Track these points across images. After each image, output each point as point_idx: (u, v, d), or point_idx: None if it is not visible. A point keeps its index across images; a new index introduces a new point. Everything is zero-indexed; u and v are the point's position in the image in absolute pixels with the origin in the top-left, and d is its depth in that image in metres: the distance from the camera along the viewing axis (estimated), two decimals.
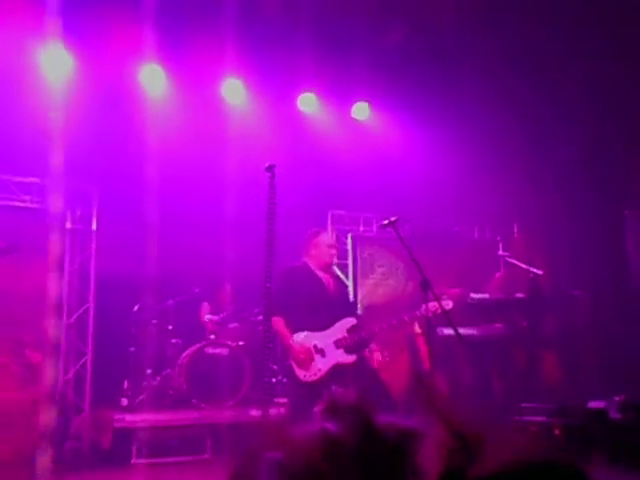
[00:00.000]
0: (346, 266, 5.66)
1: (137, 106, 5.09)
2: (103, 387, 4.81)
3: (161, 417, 4.60)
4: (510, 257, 5.29)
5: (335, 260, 4.17)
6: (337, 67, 5.07)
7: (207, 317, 5.25)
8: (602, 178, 5.64)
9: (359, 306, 5.44)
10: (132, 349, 4.96)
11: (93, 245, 5.05)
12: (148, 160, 4.80)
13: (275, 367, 4.91)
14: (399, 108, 5.52)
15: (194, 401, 4.65)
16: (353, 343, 3.64)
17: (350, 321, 3.71)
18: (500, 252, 5.42)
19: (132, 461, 4.32)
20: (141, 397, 4.83)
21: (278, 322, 3.60)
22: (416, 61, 5.14)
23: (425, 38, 5.04)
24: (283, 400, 4.33)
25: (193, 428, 4.54)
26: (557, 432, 3.93)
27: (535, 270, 5.03)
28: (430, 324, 3.64)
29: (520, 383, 4.78)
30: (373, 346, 3.75)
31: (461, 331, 3.36)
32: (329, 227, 5.59)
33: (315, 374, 3.55)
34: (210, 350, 4.87)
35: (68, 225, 5.04)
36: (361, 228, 5.86)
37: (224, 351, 4.89)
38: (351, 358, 3.62)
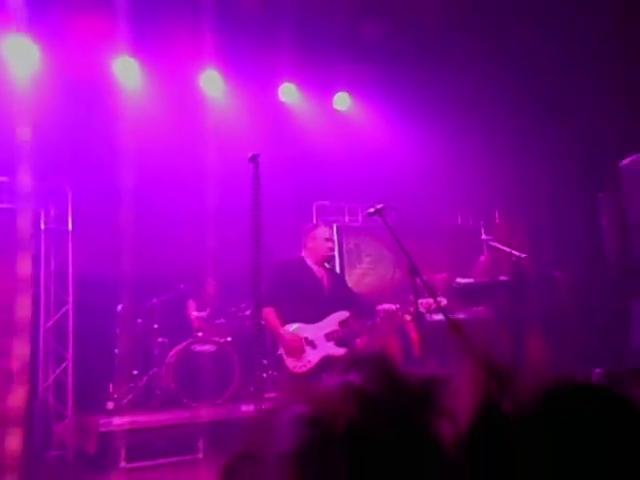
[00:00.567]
0: (333, 257, 5.64)
1: (111, 99, 4.92)
2: (87, 392, 4.65)
3: (150, 418, 4.49)
4: (493, 241, 5.37)
5: (333, 253, 4.16)
6: (317, 57, 5.02)
7: (193, 314, 5.14)
8: (578, 164, 5.80)
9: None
10: (116, 350, 4.81)
11: (70, 245, 4.85)
12: (123, 155, 4.64)
13: (265, 361, 4.84)
14: (380, 98, 5.53)
15: (183, 400, 4.55)
16: (344, 336, 3.64)
17: (342, 314, 3.70)
18: (483, 236, 5.50)
19: (121, 465, 4.19)
20: (128, 399, 4.69)
21: (269, 313, 3.58)
22: (396, 52, 5.15)
23: (407, 29, 5.05)
24: (274, 395, 4.28)
25: (183, 428, 4.43)
26: None
27: (517, 253, 5.12)
28: (420, 312, 3.66)
29: (508, 363, 4.87)
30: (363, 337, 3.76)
31: (449, 316, 3.38)
32: (314, 218, 5.55)
33: (305, 365, 3.54)
34: (197, 347, 4.78)
35: (42, 226, 4.83)
36: (346, 218, 5.84)
37: (212, 348, 4.80)
38: (341, 351, 3.61)
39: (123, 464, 4.21)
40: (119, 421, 4.33)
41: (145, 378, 4.81)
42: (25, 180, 4.65)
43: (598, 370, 3.91)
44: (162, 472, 4.17)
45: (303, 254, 3.84)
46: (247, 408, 4.38)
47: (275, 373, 4.71)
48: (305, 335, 3.57)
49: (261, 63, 5.03)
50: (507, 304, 5.18)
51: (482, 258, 5.54)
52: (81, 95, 4.64)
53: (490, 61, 5.30)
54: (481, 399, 0.54)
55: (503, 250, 5.22)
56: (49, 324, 4.72)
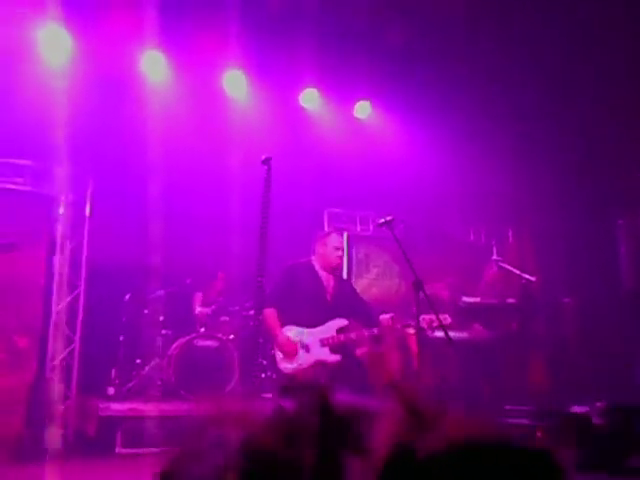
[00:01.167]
0: (341, 266, 5.65)
1: (137, 92, 5.02)
2: (90, 375, 4.77)
3: (148, 407, 4.57)
4: (503, 262, 5.32)
5: (341, 262, 4.17)
6: (341, 65, 5.02)
7: (198, 309, 5.22)
8: (597, 188, 5.69)
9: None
10: (121, 338, 4.92)
11: (86, 231, 4.98)
12: (145, 148, 4.74)
13: (265, 362, 4.90)
14: (400, 108, 5.50)
15: (182, 392, 4.64)
16: (339, 343, 3.66)
17: (341, 322, 3.72)
18: (494, 257, 5.45)
19: (116, 450, 4.30)
20: (128, 386, 4.80)
21: (270, 313, 3.65)
22: (419, 60, 5.11)
23: (428, 37, 5.00)
24: (271, 395, 4.33)
25: (180, 419, 4.51)
26: (539, 435, 3.99)
27: (527, 276, 5.06)
28: (421, 327, 3.65)
29: (507, 386, 4.83)
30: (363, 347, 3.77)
31: (451, 334, 3.37)
32: (325, 225, 5.57)
33: (295, 368, 3.60)
34: (200, 342, 4.86)
35: (61, 210, 4.96)
36: (358, 227, 5.85)
37: (214, 344, 4.88)
38: (335, 357, 3.64)
39: (118, 449, 4.32)
40: (118, 407, 4.44)
41: (147, 368, 4.91)
42: (49, 165, 4.79)
43: (599, 404, 3.86)
44: (156, 461, 4.25)
45: (312, 259, 3.89)
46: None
47: (274, 375, 4.76)
48: (300, 338, 3.62)
49: (285, 67, 5.06)
50: (512, 326, 5.14)
51: (491, 271, 5.50)
52: (108, 85, 4.74)
53: (516, 77, 5.22)
54: (397, 438, 0.54)
55: (513, 272, 5.18)
56: (61, 306, 4.86)
